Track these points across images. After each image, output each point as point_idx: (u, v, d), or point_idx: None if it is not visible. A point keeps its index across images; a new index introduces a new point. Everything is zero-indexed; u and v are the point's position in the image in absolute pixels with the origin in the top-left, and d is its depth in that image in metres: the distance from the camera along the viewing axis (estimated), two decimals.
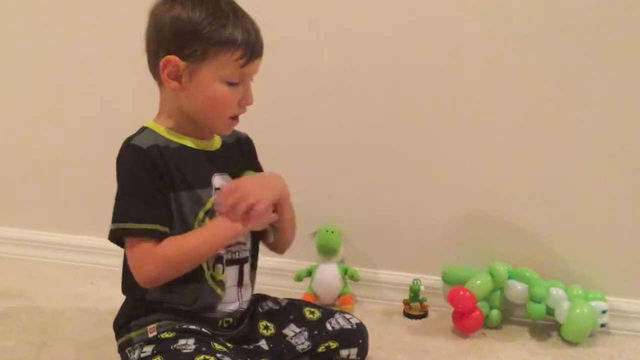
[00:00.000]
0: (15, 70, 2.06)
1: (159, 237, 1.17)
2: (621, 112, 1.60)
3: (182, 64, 1.18)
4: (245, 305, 1.31)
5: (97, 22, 1.94)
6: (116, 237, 1.19)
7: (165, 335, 1.20)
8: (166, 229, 1.18)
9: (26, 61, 2.05)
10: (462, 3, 1.66)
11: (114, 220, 1.18)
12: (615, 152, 1.61)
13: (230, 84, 1.21)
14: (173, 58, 1.18)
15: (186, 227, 1.21)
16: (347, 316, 1.38)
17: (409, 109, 1.73)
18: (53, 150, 2.07)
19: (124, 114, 1.90)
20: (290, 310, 1.38)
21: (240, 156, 1.36)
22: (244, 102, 1.24)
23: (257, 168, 1.39)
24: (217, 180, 1.27)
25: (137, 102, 1.76)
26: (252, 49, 1.20)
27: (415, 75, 1.72)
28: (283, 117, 1.79)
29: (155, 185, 1.18)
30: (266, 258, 1.48)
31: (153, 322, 1.22)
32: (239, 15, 1.21)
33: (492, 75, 1.66)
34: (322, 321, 1.35)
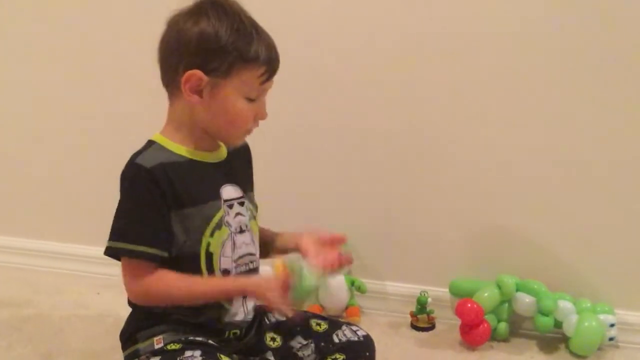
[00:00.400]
0: (19, 79, 2.07)
1: (153, 260, 1.17)
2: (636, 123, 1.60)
3: (206, 78, 1.18)
4: (250, 316, 1.31)
5: (103, 31, 1.95)
6: (112, 254, 1.20)
7: (172, 346, 1.20)
8: (163, 253, 1.18)
9: (29, 70, 2.05)
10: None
11: (111, 238, 1.18)
12: (628, 163, 1.61)
13: (249, 100, 1.21)
14: (197, 72, 1.17)
15: (194, 242, 1.21)
16: (354, 328, 1.37)
17: (416, 122, 1.73)
18: (59, 161, 2.08)
19: (128, 126, 1.92)
20: (297, 322, 1.38)
21: (243, 163, 1.36)
22: (259, 117, 1.25)
23: (251, 176, 1.39)
24: (226, 191, 1.27)
25: (141, 114, 1.77)
26: (273, 66, 1.21)
27: (426, 89, 1.72)
28: (294, 131, 1.79)
29: (156, 206, 1.17)
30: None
31: (159, 334, 1.22)
32: (260, 31, 1.21)
33: (507, 87, 1.66)
34: (328, 333, 1.34)
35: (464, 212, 1.73)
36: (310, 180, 1.80)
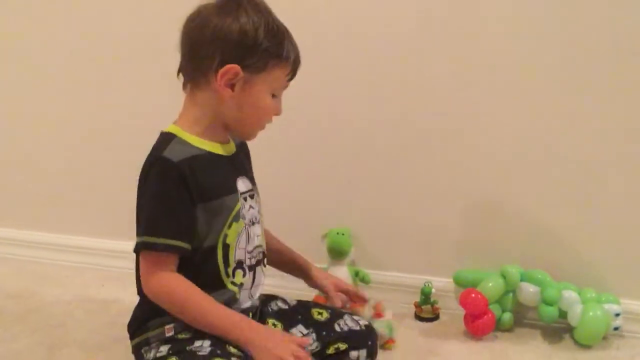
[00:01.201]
0: (33, 75, 2.09)
1: (180, 252, 1.19)
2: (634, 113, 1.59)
3: (242, 73, 1.21)
4: (257, 302, 1.33)
5: (119, 26, 1.97)
6: (142, 249, 1.20)
7: (182, 335, 1.22)
8: (188, 246, 1.20)
9: (43, 66, 2.07)
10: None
11: (144, 233, 1.19)
12: (629, 152, 1.61)
13: (274, 96, 1.27)
14: (235, 67, 1.20)
15: (216, 232, 1.23)
16: (356, 318, 1.39)
17: (418, 113, 1.73)
18: (65, 154, 2.09)
19: (138, 122, 1.93)
20: (299, 311, 1.39)
21: (245, 157, 1.39)
22: (276, 112, 1.30)
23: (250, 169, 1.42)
24: (240, 184, 1.30)
25: (150, 109, 1.79)
26: (297, 65, 1.27)
27: (424, 84, 1.72)
28: (298, 125, 1.78)
29: (184, 201, 1.19)
30: None
31: (170, 322, 1.24)
32: (288, 32, 1.26)
33: (503, 79, 1.66)
34: (330, 322, 1.36)
35: (467, 203, 1.73)
36: (315, 172, 1.81)
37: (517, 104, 1.67)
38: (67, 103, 2.07)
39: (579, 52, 1.60)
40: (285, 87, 1.29)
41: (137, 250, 1.21)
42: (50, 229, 2.12)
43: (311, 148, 1.82)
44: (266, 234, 1.41)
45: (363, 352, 1.35)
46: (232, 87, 1.21)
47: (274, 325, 1.35)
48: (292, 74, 1.27)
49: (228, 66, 1.19)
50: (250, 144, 1.40)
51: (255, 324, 1.24)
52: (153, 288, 1.21)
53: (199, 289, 1.20)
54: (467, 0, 1.66)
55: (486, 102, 1.69)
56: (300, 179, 1.56)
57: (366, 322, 1.38)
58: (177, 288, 1.20)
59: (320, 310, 1.39)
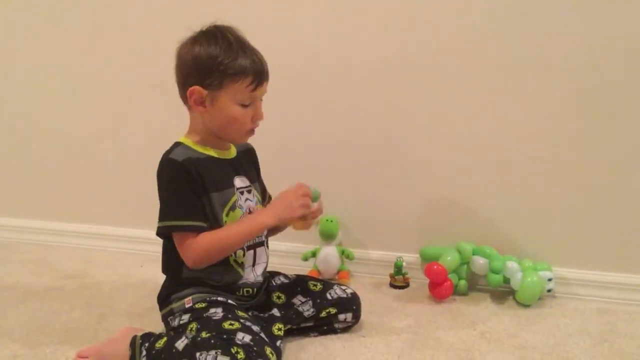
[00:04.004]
0: (80, 86, 2.07)
1: (200, 230, 1.19)
2: (554, 101, 1.58)
3: (204, 92, 1.20)
4: (260, 278, 1.32)
5: (153, 50, 1.95)
6: (163, 232, 1.21)
7: (199, 305, 1.22)
8: (205, 224, 1.20)
9: (85, 79, 2.05)
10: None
11: (164, 219, 1.20)
12: (563, 141, 1.59)
13: (244, 105, 1.22)
14: (197, 88, 1.20)
15: (216, 220, 1.23)
16: (344, 287, 1.39)
17: (393, 123, 1.72)
18: (111, 159, 2.08)
19: (164, 131, 1.92)
20: (298, 284, 1.39)
21: (250, 162, 1.38)
22: (256, 117, 1.26)
23: (258, 173, 1.41)
24: (237, 181, 1.29)
25: (172, 121, 1.77)
26: (259, 76, 1.22)
27: (397, 100, 1.71)
28: (292, 130, 1.79)
29: (192, 190, 1.19)
30: (279, 242, 1.49)
31: (189, 295, 1.24)
32: (247, 49, 1.21)
33: (458, 97, 1.66)
34: (323, 292, 1.36)
35: (430, 194, 1.73)
36: (307, 171, 1.79)
37: (472, 117, 1.66)
38: (116, 116, 2.05)
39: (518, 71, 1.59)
40: (256, 95, 1.23)
41: (158, 233, 1.21)
42: (99, 222, 2.11)
43: (306, 153, 1.81)
44: None
45: (349, 315, 1.36)
46: (203, 104, 1.21)
47: (278, 297, 1.35)
48: (255, 84, 1.21)
49: (191, 88, 1.19)
50: (256, 147, 1.40)
51: (261, 209, 1.28)
52: (192, 259, 1.20)
53: (212, 231, 1.20)
54: (436, 29, 1.65)
55: (446, 115, 1.68)
56: (296, 177, 1.54)
57: (352, 291, 1.39)
58: (205, 245, 1.19)
59: (315, 283, 1.39)
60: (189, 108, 1.25)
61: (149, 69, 1.93)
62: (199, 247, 1.18)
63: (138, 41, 1.94)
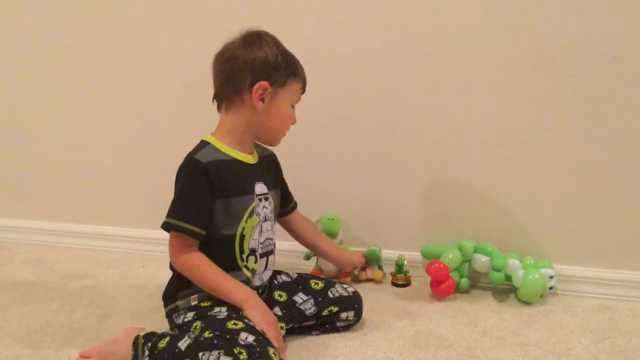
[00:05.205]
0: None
1: (196, 237, 1.21)
2: (555, 100, 1.58)
3: (270, 88, 1.25)
4: (266, 282, 1.34)
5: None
6: (165, 228, 1.23)
7: (204, 303, 1.23)
8: (203, 233, 1.22)
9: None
10: None
11: (169, 215, 1.22)
12: (563, 139, 1.59)
13: (292, 107, 1.32)
14: (265, 83, 1.24)
15: (236, 222, 1.25)
16: (345, 286, 1.39)
17: (394, 122, 1.73)
18: (111, 159, 2.08)
19: (165, 132, 1.92)
20: (300, 282, 1.39)
21: (271, 168, 1.42)
22: (292, 122, 1.35)
23: (281, 180, 1.46)
24: (258, 187, 1.30)
25: (173, 122, 1.77)
26: (306, 82, 1.34)
27: (398, 102, 1.71)
28: (292, 129, 1.75)
29: (205, 195, 1.21)
30: (282, 242, 1.50)
31: (195, 293, 1.25)
32: (296, 57, 1.32)
33: (457, 94, 1.66)
34: (325, 290, 1.36)
35: (432, 193, 1.73)
36: (310, 171, 1.80)
37: (473, 116, 1.66)
38: (116, 117, 2.06)
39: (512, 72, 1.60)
40: (299, 100, 1.34)
41: (163, 227, 1.23)
42: (99, 222, 2.12)
43: (306, 151, 1.81)
44: (303, 222, 1.52)
45: (351, 313, 1.36)
46: (262, 100, 1.25)
47: (280, 295, 1.36)
48: (304, 87, 1.33)
49: (260, 83, 1.24)
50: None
51: (254, 295, 1.24)
52: (178, 262, 1.23)
53: (213, 264, 1.22)
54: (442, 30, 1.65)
55: (448, 114, 1.68)
56: (301, 177, 1.55)
57: (353, 289, 1.39)
58: (194, 262, 1.22)
59: (317, 281, 1.39)
60: (232, 106, 1.28)
61: (150, 69, 1.93)
62: (189, 260, 1.22)
63: (139, 41, 1.95)
